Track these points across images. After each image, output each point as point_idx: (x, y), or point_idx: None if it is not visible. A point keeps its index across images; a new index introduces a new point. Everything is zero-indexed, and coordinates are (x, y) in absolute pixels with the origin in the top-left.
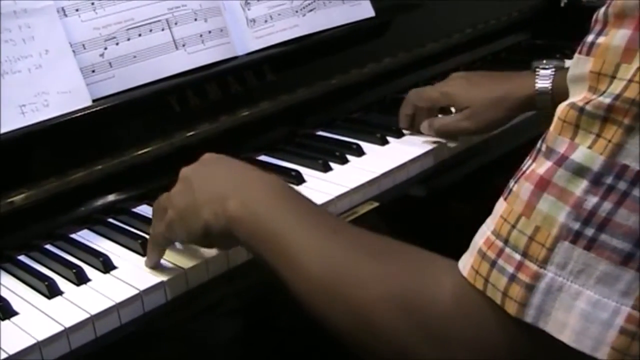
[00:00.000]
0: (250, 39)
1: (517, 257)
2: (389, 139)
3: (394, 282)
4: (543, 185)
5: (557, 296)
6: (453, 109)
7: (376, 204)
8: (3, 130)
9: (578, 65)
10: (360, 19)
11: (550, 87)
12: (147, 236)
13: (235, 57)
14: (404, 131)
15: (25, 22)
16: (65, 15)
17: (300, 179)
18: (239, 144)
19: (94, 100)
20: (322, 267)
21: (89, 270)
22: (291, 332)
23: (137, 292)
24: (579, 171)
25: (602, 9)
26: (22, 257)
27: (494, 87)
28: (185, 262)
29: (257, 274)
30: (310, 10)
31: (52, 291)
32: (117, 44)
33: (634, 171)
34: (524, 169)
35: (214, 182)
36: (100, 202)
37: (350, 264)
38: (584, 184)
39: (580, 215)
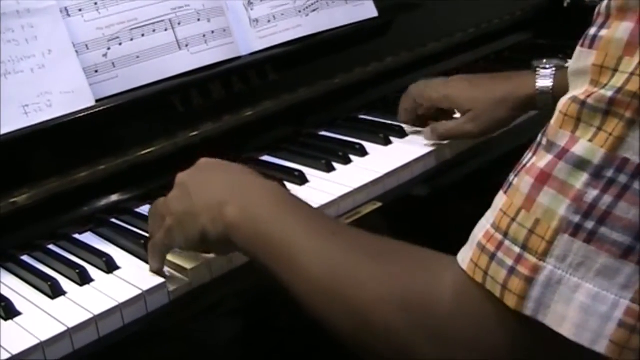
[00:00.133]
0: (253, 39)
1: (517, 250)
2: (392, 139)
3: (393, 283)
4: (544, 178)
5: (557, 289)
6: (457, 114)
7: (379, 204)
8: (6, 130)
9: (580, 58)
10: (363, 19)
11: (551, 87)
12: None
13: (239, 57)
14: (407, 131)
15: (28, 22)
16: (69, 15)
17: (303, 179)
18: (242, 144)
19: (97, 101)
20: (321, 269)
21: (92, 271)
22: (292, 332)
23: (140, 292)
24: (580, 164)
25: (605, 2)
26: (25, 257)
27: (495, 87)
28: (188, 263)
29: (259, 274)
30: (314, 11)
31: (55, 291)
32: (120, 44)
33: (634, 164)
34: (524, 162)
35: (210, 188)
36: (103, 202)
37: (350, 265)
38: (584, 177)
39: (581, 208)
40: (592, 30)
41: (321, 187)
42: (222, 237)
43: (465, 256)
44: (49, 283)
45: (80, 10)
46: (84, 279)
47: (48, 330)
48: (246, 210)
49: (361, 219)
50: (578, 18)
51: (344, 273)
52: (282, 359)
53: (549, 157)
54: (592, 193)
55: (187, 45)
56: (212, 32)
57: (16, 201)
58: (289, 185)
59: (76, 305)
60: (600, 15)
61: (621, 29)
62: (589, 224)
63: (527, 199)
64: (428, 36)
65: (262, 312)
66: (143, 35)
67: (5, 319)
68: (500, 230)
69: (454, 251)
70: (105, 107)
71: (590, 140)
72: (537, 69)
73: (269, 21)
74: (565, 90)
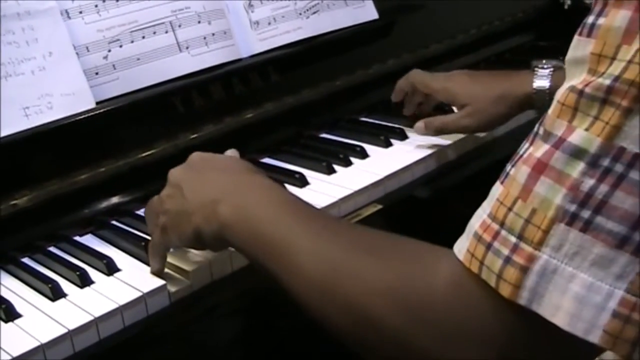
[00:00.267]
0: (254, 41)
1: (513, 239)
2: (393, 141)
3: (390, 277)
4: (540, 168)
5: (551, 278)
6: (455, 109)
7: (380, 206)
8: (6, 133)
9: (578, 47)
10: (363, 21)
11: (548, 86)
12: (150, 238)
13: (239, 60)
14: (408, 132)
15: (28, 24)
16: (69, 18)
17: (304, 182)
18: (243, 146)
19: (97, 103)
20: (318, 267)
21: (93, 273)
22: (292, 334)
23: (140, 294)
24: (576, 154)
25: None
26: (25, 259)
27: (494, 84)
28: (189, 265)
29: (259, 275)
30: (314, 13)
31: (56, 293)
32: (120, 46)
33: (630, 154)
34: (521, 152)
35: (203, 187)
36: (104, 204)
37: (347, 261)
38: (580, 166)
39: (577, 197)
40: (590, 19)
41: (322, 189)
42: (217, 235)
43: (461, 247)
44: (50, 285)
45: (80, 12)
46: (84, 281)
47: (48, 332)
48: (240, 209)
49: (362, 221)
50: (578, 20)
51: (341, 269)
52: None
53: (545, 147)
54: (589, 182)
55: (187, 48)
56: (213, 34)
57: (17, 203)
58: (289, 187)
59: (77, 308)
60: (598, 2)
61: (619, 17)
62: (585, 213)
63: (524, 189)
64: (430, 38)
65: (262, 314)
66: (144, 37)
67: (6, 321)
68: (496, 220)
69: None
70: (105, 109)
71: (586, 130)
72: (535, 69)
73: (269, 23)
74: None
